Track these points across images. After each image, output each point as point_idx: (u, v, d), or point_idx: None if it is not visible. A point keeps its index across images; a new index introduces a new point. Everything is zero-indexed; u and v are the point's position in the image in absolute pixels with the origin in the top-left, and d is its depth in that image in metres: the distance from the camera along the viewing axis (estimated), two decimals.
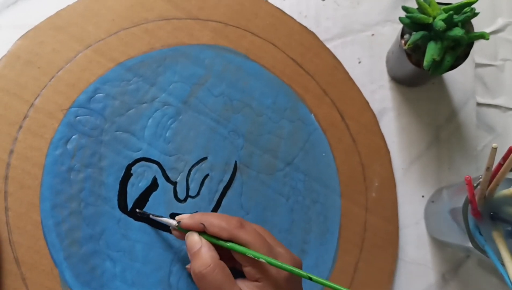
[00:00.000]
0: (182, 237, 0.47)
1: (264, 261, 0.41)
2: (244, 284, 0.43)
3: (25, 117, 0.51)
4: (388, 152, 0.58)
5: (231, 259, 0.44)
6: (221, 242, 0.43)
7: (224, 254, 0.44)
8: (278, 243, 0.46)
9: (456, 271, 0.57)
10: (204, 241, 0.44)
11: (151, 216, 0.50)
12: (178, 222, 0.46)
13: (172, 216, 0.51)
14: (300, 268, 0.45)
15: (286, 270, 0.41)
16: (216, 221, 0.44)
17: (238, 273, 0.44)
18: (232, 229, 0.43)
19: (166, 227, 0.51)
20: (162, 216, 0.49)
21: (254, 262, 0.42)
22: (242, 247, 0.42)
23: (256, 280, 0.42)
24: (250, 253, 0.41)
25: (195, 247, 0.43)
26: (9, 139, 0.50)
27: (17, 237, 0.49)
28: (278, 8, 0.58)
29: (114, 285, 0.50)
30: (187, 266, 0.51)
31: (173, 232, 0.48)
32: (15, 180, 0.50)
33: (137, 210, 0.51)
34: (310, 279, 0.40)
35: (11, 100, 0.51)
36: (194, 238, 0.44)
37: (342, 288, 0.39)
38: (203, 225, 0.44)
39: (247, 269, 0.43)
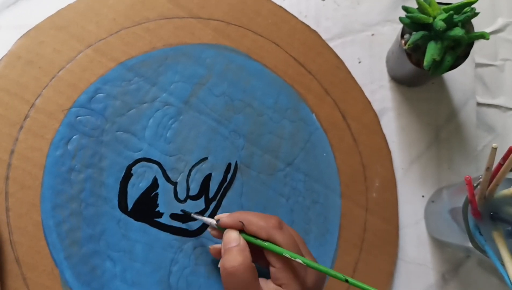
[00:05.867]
0: (219, 236, 0.46)
1: (300, 261, 0.40)
2: (266, 286, 0.42)
3: (26, 118, 0.51)
4: (389, 152, 0.58)
5: (257, 257, 0.44)
6: (259, 241, 0.43)
7: (252, 250, 0.44)
8: (309, 252, 0.45)
9: (456, 271, 0.57)
10: (242, 240, 0.43)
11: (192, 214, 0.50)
12: (217, 221, 0.46)
13: (172, 216, 0.52)
14: (324, 281, 0.45)
15: (322, 271, 0.40)
16: (254, 220, 0.43)
17: (260, 272, 0.44)
18: (270, 228, 0.43)
19: (166, 227, 0.51)
20: (203, 216, 0.49)
21: (284, 266, 0.42)
22: (279, 247, 0.42)
23: (280, 285, 0.42)
24: (287, 253, 0.41)
25: (231, 243, 0.43)
26: (10, 140, 0.50)
27: (18, 238, 0.49)
28: (280, 6, 0.58)
29: (114, 285, 0.50)
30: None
31: (211, 232, 0.48)
32: (16, 180, 0.50)
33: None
34: (347, 281, 0.40)
35: (12, 100, 0.51)
36: (232, 235, 0.44)
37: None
38: (242, 223, 0.44)
39: (274, 271, 0.42)
